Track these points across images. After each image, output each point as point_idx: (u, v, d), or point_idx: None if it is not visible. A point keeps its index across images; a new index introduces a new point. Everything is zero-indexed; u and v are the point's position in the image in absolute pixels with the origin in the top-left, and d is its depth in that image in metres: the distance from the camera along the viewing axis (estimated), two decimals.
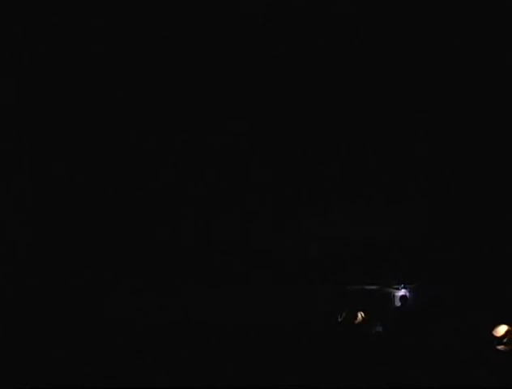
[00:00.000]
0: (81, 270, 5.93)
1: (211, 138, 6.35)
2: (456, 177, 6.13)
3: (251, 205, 6.31)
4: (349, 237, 6.11)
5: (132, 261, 6.06)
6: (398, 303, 5.93)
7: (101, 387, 4.97)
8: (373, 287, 5.97)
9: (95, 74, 6.19)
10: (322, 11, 6.02)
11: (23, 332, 5.49)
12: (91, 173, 6.22)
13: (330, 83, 6.25)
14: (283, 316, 5.73)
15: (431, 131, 6.22)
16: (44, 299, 5.74)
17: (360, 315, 5.68)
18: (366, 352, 5.36)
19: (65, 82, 6.18)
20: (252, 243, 6.19)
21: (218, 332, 5.57)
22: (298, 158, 6.37)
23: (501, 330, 4.54)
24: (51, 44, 6.07)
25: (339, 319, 5.66)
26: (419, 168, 6.21)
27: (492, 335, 4.59)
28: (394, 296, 5.93)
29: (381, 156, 6.30)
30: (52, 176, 6.15)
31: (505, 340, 4.52)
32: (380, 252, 6.01)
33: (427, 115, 6.20)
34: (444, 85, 6.14)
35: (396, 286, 5.94)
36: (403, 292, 5.93)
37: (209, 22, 6.11)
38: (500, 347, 4.55)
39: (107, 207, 6.19)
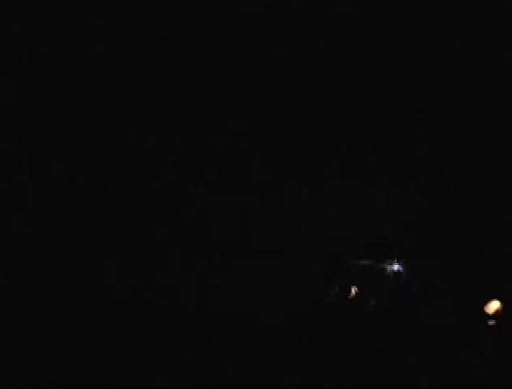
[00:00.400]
0: (81, 270, 5.93)
1: (211, 138, 6.36)
2: (456, 173, 6.16)
3: (251, 205, 6.31)
4: (348, 234, 6.15)
5: (132, 261, 6.05)
6: (392, 278, 5.96)
7: (101, 387, 4.97)
8: (367, 262, 6.00)
9: (95, 74, 6.20)
10: (322, 11, 6.03)
11: (23, 332, 5.49)
12: (91, 173, 6.22)
13: (330, 83, 6.26)
14: (280, 304, 5.77)
15: (431, 131, 6.23)
16: (44, 299, 5.74)
17: (354, 290, 5.68)
18: (362, 326, 5.38)
19: (65, 82, 6.19)
20: (252, 243, 6.19)
21: (217, 331, 5.57)
22: (298, 158, 6.37)
23: (493, 306, 4.63)
24: (51, 44, 6.07)
25: (333, 294, 5.67)
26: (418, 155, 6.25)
27: (484, 312, 4.66)
28: (387, 271, 5.97)
29: (381, 156, 6.31)
30: (52, 176, 6.15)
31: (496, 316, 4.60)
32: (378, 243, 6.07)
33: (427, 115, 6.21)
34: (444, 85, 6.15)
35: (390, 261, 5.98)
36: (396, 267, 5.96)
37: (209, 22, 6.11)
38: (491, 322, 4.62)
39: (107, 207, 6.19)
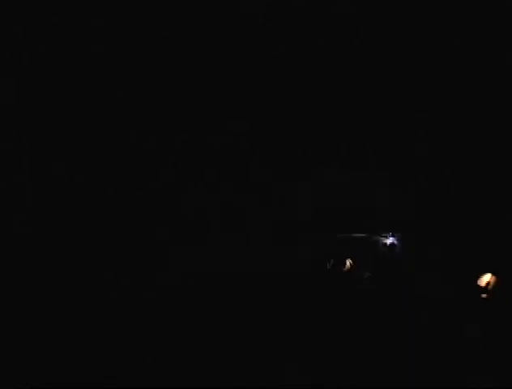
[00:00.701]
0: (81, 269, 5.94)
1: (211, 138, 6.36)
2: (451, 154, 6.21)
3: (251, 205, 6.31)
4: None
5: (132, 261, 6.06)
6: (386, 251, 6.00)
7: (101, 387, 4.97)
8: (362, 235, 6.05)
9: (95, 74, 6.20)
10: (322, 11, 6.03)
11: (23, 332, 5.49)
12: (91, 173, 6.22)
13: (330, 82, 6.26)
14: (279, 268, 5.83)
15: (431, 131, 6.25)
16: (44, 299, 5.74)
17: (349, 263, 5.70)
18: (356, 298, 5.40)
19: (65, 82, 6.19)
20: (251, 244, 6.21)
21: (217, 328, 5.57)
22: (298, 158, 6.38)
23: (485, 279, 4.65)
24: (51, 44, 6.07)
25: (328, 267, 5.70)
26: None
27: (477, 285, 4.66)
28: (382, 244, 6.01)
29: (381, 158, 6.34)
30: (52, 176, 6.15)
31: (488, 288, 4.60)
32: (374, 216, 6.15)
33: (427, 115, 6.22)
34: (444, 85, 6.16)
35: (384, 234, 6.02)
36: (391, 240, 6.00)
37: (209, 22, 6.12)
38: (484, 295, 4.62)
39: (107, 207, 6.19)
